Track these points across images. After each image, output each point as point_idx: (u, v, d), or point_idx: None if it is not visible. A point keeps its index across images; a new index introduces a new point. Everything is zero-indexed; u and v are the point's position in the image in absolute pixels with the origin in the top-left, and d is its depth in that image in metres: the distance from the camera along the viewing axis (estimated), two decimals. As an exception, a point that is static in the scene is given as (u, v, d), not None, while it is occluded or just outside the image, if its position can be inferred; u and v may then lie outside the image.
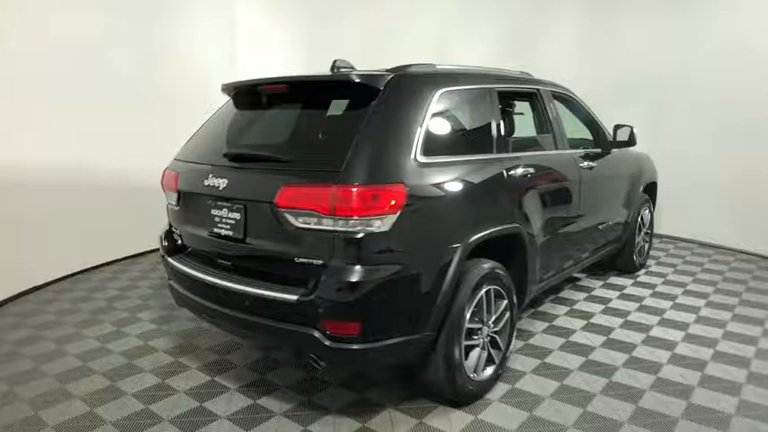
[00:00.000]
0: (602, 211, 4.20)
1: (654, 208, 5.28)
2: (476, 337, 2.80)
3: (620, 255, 4.83)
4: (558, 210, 3.56)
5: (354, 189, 2.23)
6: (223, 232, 2.65)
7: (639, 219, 4.84)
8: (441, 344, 2.60)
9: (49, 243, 4.52)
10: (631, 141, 4.29)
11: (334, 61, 3.03)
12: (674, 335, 3.61)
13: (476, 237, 2.67)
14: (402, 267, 2.37)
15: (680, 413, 2.69)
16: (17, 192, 4.19)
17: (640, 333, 3.64)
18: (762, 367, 3.16)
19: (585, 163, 3.87)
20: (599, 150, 4.20)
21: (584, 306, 4.15)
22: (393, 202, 2.30)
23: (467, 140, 2.95)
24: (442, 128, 2.74)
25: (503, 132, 3.11)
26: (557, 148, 3.66)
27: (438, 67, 2.97)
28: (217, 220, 2.68)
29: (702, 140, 5.73)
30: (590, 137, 4.33)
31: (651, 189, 5.20)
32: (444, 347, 2.60)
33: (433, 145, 2.60)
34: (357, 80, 2.54)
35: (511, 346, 3.07)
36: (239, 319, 2.60)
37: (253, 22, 6.67)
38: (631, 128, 4.26)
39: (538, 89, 3.66)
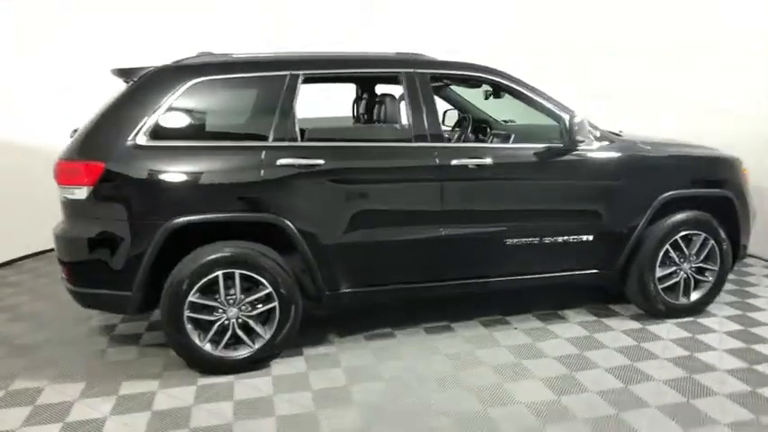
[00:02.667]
0: (515, 222, 3.34)
1: (739, 230, 3.67)
2: (216, 314, 2.94)
3: (627, 289, 3.63)
4: (379, 211, 3.13)
5: (59, 163, 2.80)
6: None
7: (665, 245, 3.51)
8: (163, 311, 2.89)
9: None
10: (566, 138, 3.29)
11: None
12: None
13: (178, 220, 2.81)
14: (99, 231, 2.81)
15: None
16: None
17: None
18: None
19: (461, 161, 3.16)
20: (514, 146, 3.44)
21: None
22: (87, 177, 2.75)
23: (221, 127, 3.03)
24: (185, 115, 2.94)
25: (289, 120, 3.00)
26: (417, 140, 3.16)
27: (234, 56, 3.11)
28: None
29: None
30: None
31: (712, 204, 3.65)
32: (166, 315, 2.89)
33: (167, 131, 2.87)
34: (116, 73, 3.01)
35: (281, 335, 3.01)
36: None
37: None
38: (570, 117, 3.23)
39: (400, 73, 3.22)
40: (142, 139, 2.84)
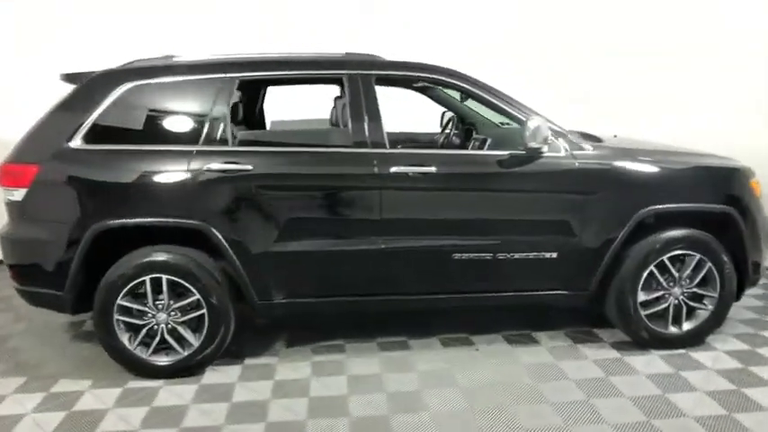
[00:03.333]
0: (463, 236, 3.07)
1: (746, 251, 3.18)
2: (145, 319, 2.94)
3: (608, 313, 3.25)
4: (312, 219, 2.99)
5: (2, 166, 2.90)
6: None
7: (650, 266, 3.10)
8: (94, 312, 2.93)
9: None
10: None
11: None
12: None
13: (102, 224, 2.82)
14: (35, 232, 2.88)
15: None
16: None
17: None
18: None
19: (400, 169, 2.94)
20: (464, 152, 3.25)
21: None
22: (23, 180, 2.83)
23: (153, 131, 2.98)
24: (119, 119, 2.95)
25: (221, 125, 2.93)
26: (356, 146, 2.98)
27: (174, 59, 3.08)
28: None
29: None
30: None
31: (712, 221, 3.16)
32: (96, 317, 2.92)
33: (100, 135, 2.90)
34: (64, 78, 3.06)
35: (213, 342, 2.96)
36: None
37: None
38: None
39: (342, 75, 3.06)
40: (77, 143, 2.88)
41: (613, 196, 3.07)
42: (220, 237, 2.88)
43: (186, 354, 2.97)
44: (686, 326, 3.24)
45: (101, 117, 2.91)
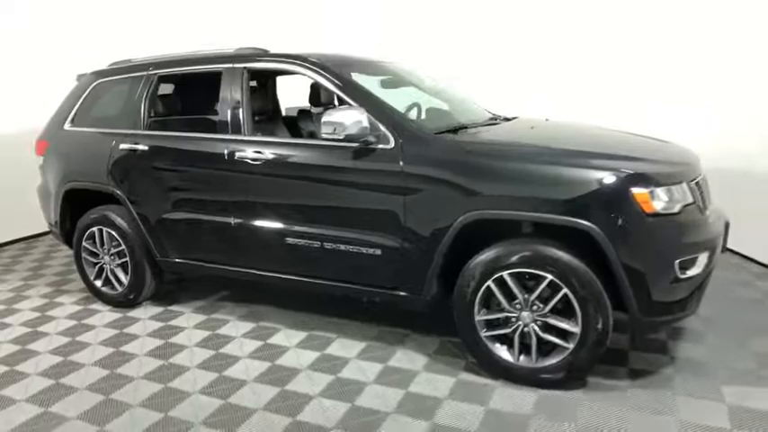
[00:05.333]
0: (291, 222, 3.12)
1: (618, 284, 2.43)
2: (98, 259, 3.92)
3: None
4: (184, 192, 3.45)
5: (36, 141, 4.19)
6: None
7: (487, 281, 2.64)
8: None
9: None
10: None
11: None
12: None
13: (69, 184, 3.81)
14: (46, 185, 4.09)
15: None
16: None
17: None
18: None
19: (243, 154, 3.16)
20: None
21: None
22: (40, 151, 4.06)
23: (104, 117, 3.77)
24: (89, 108, 3.88)
25: (139, 112, 3.60)
26: (218, 131, 3.31)
27: (133, 60, 3.85)
28: None
29: None
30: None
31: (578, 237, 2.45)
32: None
33: (79, 120, 3.91)
34: (77, 78, 4.15)
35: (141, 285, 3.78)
36: None
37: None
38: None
39: (221, 69, 3.36)
40: (68, 126, 3.96)
41: (438, 196, 2.69)
42: (128, 201, 3.62)
43: (120, 290, 3.85)
44: (543, 361, 2.64)
45: (80, 106, 3.93)
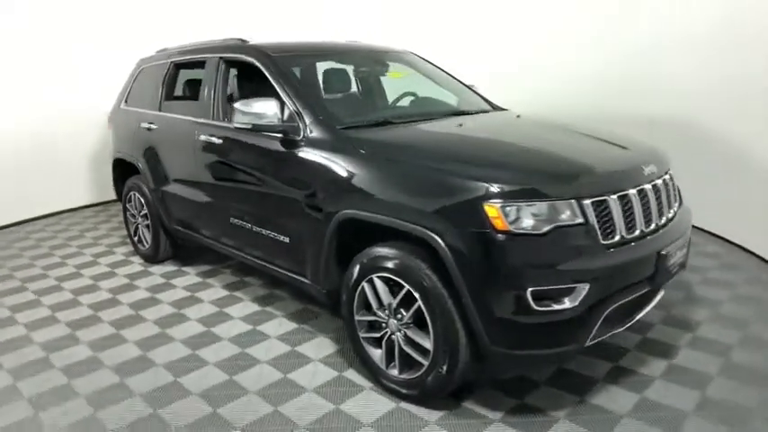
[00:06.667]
0: (231, 202, 3.36)
1: (466, 309, 2.20)
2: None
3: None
4: (175, 167, 3.87)
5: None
6: None
7: (362, 282, 2.57)
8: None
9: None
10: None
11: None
12: None
13: (116, 155, 4.55)
14: (113, 151, 4.91)
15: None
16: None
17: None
18: None
19: (205, 137, 3.48)
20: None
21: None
22: (109, 125, 4.89)
23: (144, 97, 4.32)
24: (137, 89, 4.51)
25: (162, 95, 4.11)
26: (195, 115, 3.64)
27: (170, 48, 4.38)
28: None
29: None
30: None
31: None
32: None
33: (131, 99, 4.59)
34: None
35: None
36: None
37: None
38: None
39: (206, 59, 3.66)
40: (123, 105, 4.70)
41: (326, 190, 2.70)
42: (147, 171, 4.19)
43: (147, 247, 4.50)
44: (405, 374, 2.51)
45: (132, 88, 4.62)
